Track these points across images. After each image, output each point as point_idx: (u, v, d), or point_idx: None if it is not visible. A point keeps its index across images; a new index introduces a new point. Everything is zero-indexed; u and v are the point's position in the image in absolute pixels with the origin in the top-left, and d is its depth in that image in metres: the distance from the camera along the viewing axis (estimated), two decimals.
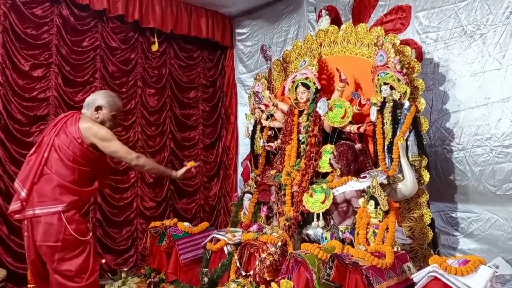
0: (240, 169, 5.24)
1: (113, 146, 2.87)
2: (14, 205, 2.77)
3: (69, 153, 2.77)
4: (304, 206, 3.16)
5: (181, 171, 3.13)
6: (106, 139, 2.84)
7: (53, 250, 2.68)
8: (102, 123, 2.92)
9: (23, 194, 2.72)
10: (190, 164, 3.12)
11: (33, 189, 2.73)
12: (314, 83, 3.58)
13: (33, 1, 4.07)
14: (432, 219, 3.17)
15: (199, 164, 3.62)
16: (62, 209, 2.73)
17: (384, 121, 3.20)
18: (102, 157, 2.94)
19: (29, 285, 3.11)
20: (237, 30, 5.44)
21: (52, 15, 4.17)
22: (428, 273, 2.29)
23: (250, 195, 3.76)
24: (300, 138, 3.61)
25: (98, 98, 2.96)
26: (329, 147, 3.38)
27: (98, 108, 2.91)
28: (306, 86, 3.60)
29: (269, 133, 4.01)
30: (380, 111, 3.21)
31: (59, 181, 2.75)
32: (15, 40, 3.95)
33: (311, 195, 3.15)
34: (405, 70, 3.19)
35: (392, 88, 3.18)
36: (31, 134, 4.01)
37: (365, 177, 3.08)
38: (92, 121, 2.88)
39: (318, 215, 3.09)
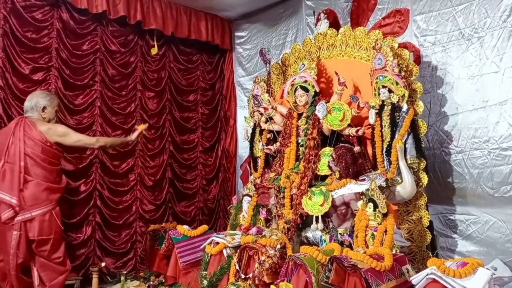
0: (239, 172, 5.25)
1: (74, 137, 3.39)
2: (7, 213, 3.10)
3: (43, 158, 3.20)
4: (303, 208, 3.17)
5: (135, 134, 3.76)
6: (65, 134, 3.34)
7: (48, 242, 3.17)
8: (48, 121, 3.39)
9: (13, 201, 3.09)
10: (140, 128, 3.75)
11: (21, 196, 3.11)
12: (313, 86, 3.59)
13: (33, 5, 4.09)
14: (431, 222, 3.18)
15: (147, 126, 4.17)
16: (52, 207, 3.23)
17: (383, 124, 3.21)
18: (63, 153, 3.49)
19: None
20: (236, 34, 5.46)
21: (52, 18, 4.19)
22: (427, 275, 2.31)
23: (249, 198, 3.76)
24: (299, 141, 3.62)
25: (40, 100, 3.37)
26: (328, 150, 3.39)
27: (44, 109, 3.35)
28: (305, 89, 3.61)
29: (268, 136, 4.03)
30: (379, 114, 3.23)
31: (45, 184, 3.19)
32: (15, 43, 3.97)
33: (310, 198, 3.16)
34: (403, 73, 3.21)
35: (390, 91, 3.19)
36: None
37: (364, 179, 3.09)
38: (45, 122, 3.32)
39: (317, 217, 3.10)
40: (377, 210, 2.73)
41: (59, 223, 3.26)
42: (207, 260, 3.41)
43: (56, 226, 3.24)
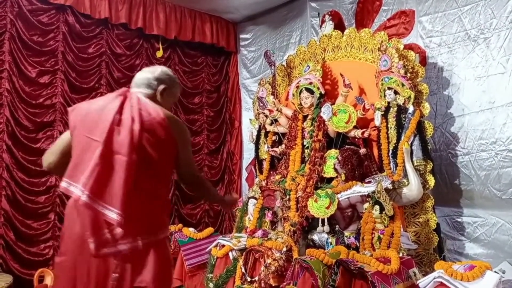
0: (244, 174, 5.25)
1: (191, 154, 2.01)
2: (105, 235, 1.66)
3: (163, 157, 1.80)
4: (309, 211, 3.16)
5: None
6: (188, 142, 2.00)
7: None
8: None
9: (113, 216, 1.63)
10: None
11: (128, 211, 1.65)
12: (318, 88, 3.59)
13: (39, 8, 4.11)
14: (438, 224, 3.16)
15: None
16: (167, 234, 1.98)
17: (389, 125, 3.20)
18: None
19: None
20: (241, 36, 5.46)
21: (58, 22, 4.22)
22: (434, 278, 2.30)
23: (254, 200, 3.76)
24: (305, 143, 3.62)
25: (164, 76, 2.01)
26: (333, 152, 3.38)
27: (164, 90, 2.02)
28: (310, 91, 3.61)
29: (274, 138, 4.02)
30: (385, 115, 3.22)
31: (162, 196, 1.88)
32: (21, 47, 4.00)
33: (316, 200, 3.15)
34: (409, 74, 3.19)
35: (396, 92, 3.18)
36: (38, 141, 4.05)
37: (370, 182, 3.08)
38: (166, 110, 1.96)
39: (323, 220, 3.09)
40: (383, 212, 2.72)
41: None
42: (213, 262, 3.41)
43: (170, 265, 1.94)
